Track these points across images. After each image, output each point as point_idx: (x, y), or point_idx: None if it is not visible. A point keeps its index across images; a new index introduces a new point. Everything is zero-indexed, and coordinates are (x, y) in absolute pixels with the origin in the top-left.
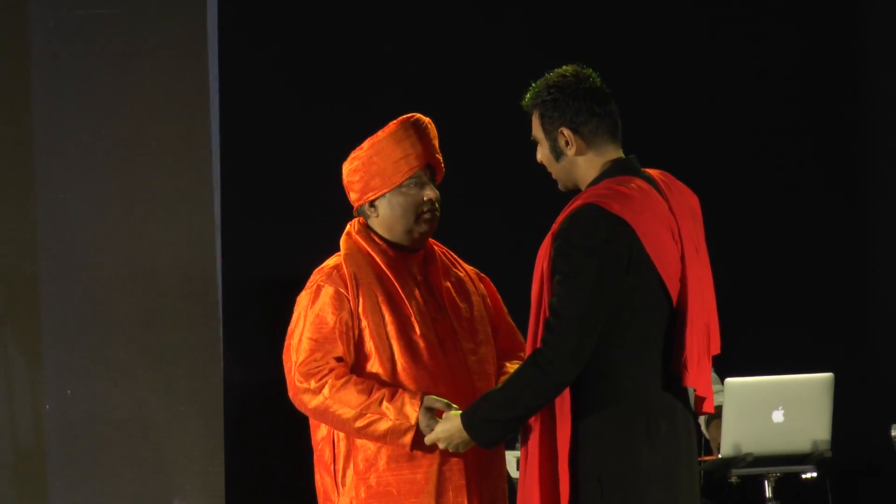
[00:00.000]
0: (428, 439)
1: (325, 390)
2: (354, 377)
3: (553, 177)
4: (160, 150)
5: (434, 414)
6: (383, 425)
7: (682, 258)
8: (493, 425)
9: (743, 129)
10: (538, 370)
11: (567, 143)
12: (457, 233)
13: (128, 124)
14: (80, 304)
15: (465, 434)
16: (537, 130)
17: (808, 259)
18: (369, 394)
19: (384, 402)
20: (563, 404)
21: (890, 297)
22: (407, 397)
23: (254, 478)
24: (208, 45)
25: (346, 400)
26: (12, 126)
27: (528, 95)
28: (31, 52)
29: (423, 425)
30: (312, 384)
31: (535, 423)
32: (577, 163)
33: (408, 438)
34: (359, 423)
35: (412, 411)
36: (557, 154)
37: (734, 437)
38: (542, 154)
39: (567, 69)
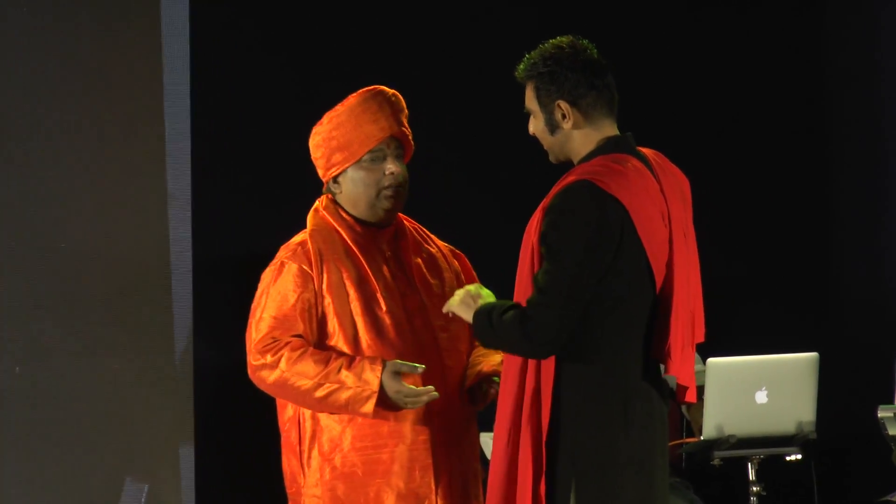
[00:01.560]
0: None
1: (282, 363)
2: (311, 349)
3: (545, 148)
4: (114, 127)
5: (401, 378)
6: (344, 394)
7: (670, 242)
8: (481, 336)
9: (732, 110)
10: (523, 333)
11: (564, 117)
12: (434, 209)
13: (79, 101)
14: (46, 284)
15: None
16: (532, 102)
17: (794, 238)
18: (327, 363)
19: (343, 370)
20: (545, 383)
21: (874, 276)
22: (367, 363)
23: (224, 459)
24: (161, 19)
25: (303, 371)
26: None
27: (522, 66)
28: None
29: (391, 391)
30: (269, 358)
31: (512, 399)
32: (573, 136)
33: (370, 406)
34: (318, 394)
35: (373, 377)
36: (553, 127)
37: (717, 419)
38: (536, 126)
39: (563, 40)
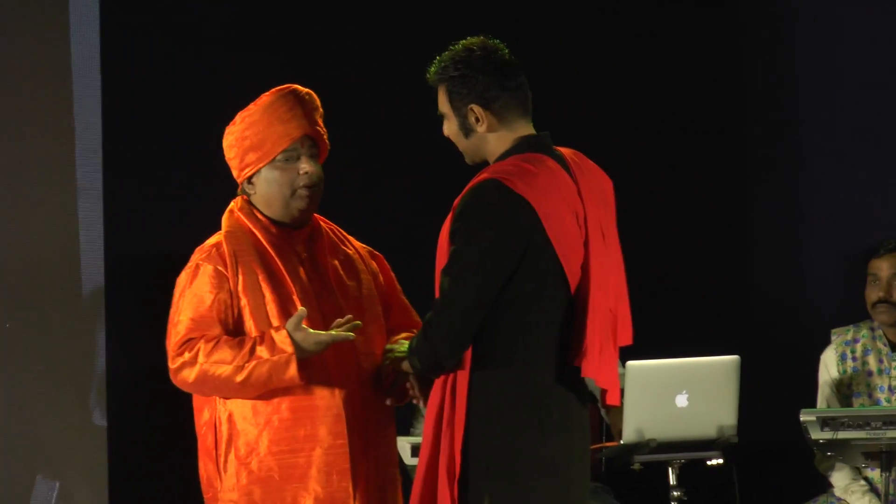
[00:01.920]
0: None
1: (200, 356)
2: (225, 336)
3: (461, 151)
4: (20, 124)
5: (302, 324)
6: (264, 368)
7: (586, 243)
8: (413, 368)
9: (648, 113)
10: (425, 341)
11: (477, 120)
12: (351, 210)
13: None
14: None
15: None
16: (444, 106)
17: (714, 240)
18: (241, 345)
19: (256, 347)
20: (460, 390)
21: (796, 279)
22: (272, 332)
23: (138, 466)
24: (70, 15)
25: (221, 358)
26: None
27: (433, 69)
28: None
29: (307, 344)
30: (186, 356)
31: (435, 409)
32: (488, 139)
33: (292, 369)
34: (240, 377)
35: (283, 340)
36: (467, 131)
37: (636, 423)
38: (450, 129)
39: (473, 41)
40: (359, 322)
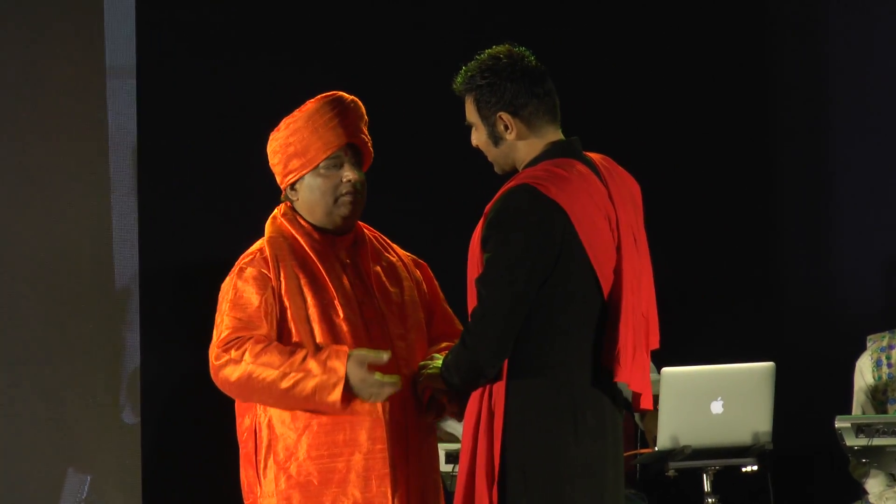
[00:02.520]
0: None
1: (247, 356)
2: (276, 342)
3: (490, 160)
4: (55, 130)
5: (366, 367)
6: (310, 383)
7: (619, 248)
8: (448, 385)
9: (688, 115)
10: (465, 350)
11: (506, 128)
12: (395, 217)
13: (16, 102)
14: None
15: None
16: (472, 115)
17: (750, 247)
18: (292, 353)
19: (308, 359)
20: (497, 396)
21: (831, 286)
22: (332, 351)
23: (173, 474)
24: (105, 24)
25: (268, 361)
26: None
27: (460, 79)
28: None
29: (355, 379)
30: (233, 353)
31: (474, 416)
32: (517, 147)
33: (336, 394)
34: (284, 384)
35: (339, 364)
36: (496, 139)
37: (671, 430)
38: (479, 139)
39: (500, 49)
40: (388, 353)
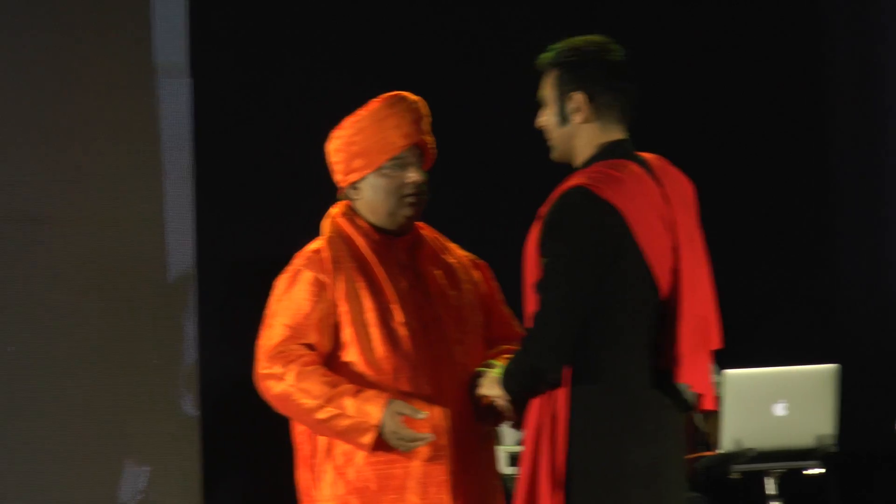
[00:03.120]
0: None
1: (290, 377)
2: (323, 368)
3: (550, 142)
4: (109, 129)
5: (401, 420)
6: (344, 422)
7: (676, 249)
8: (508, 392)
9: (744, 110)
10: (526, 356)
11: (576, 109)
12: (455, 218)
13: (72, 106)
14: (43, 293)
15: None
16: (548, 90)
17: (814, 247)
18: (334, 386)
19: (347, 398)
20: (558, 400)
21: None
22: (372, 395)
23: (231, 474)
24: (156, 18)
25: (309, 389)
26: None
27: (547, 54)
28: None
29: (388, 430)
30: (277, 369)
31: (531, 418)
32: (580, 132)
33: (368, 438)
34: (320, 415)
35: (375, 410)
36: (563, 118)
37: (734, 432)
38: (546, 117)
39: (595, 37)
40: (425, 413)
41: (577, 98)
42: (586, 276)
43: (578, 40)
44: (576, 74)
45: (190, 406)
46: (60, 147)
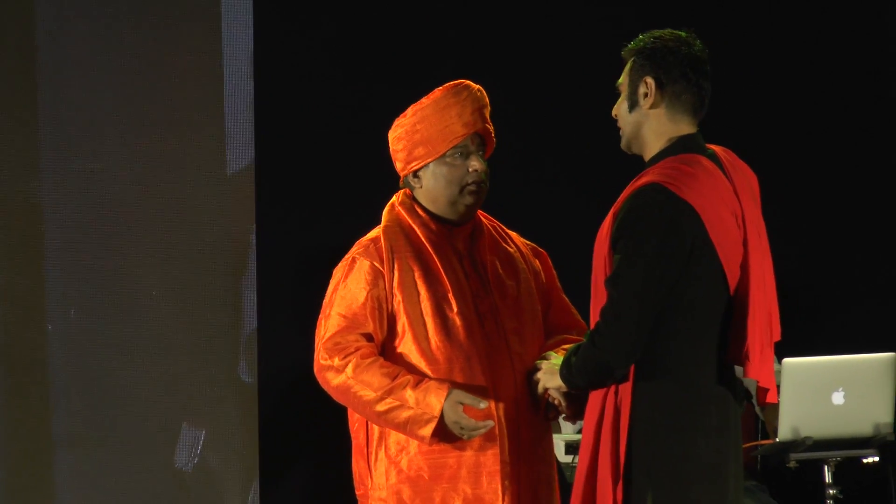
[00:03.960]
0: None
1: (349, 369)
2: (381, 359)
3: (620, 130)
4: (174, 122)
5: (462, 409)
6: (404, 413)
7: (745, 243)
8: (570, 385)
9: (798, 103)
10: (595, 350)
11: (645, 94)
12: (516, 206)
13: (139, 98)
14: (107, 283)
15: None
16: (625, 76)
17: (870, 235)
18: (394, 378)
19: (408, 389)
20: (623, 394)
21: None
22: (433, 386)
23: (289, 463)
24: (223, 12)
25: (369, 381)
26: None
27: (632, 44)
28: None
29: (449, 420)
30: (336, 361)
31: (593, 410)
32: (648, 120)
33: (427, 430)
34: (379, 407)
35: (436, 401)
36: (632, 103)
37: (792, 421)
38: (619, 105)
39: (680, 32)
40: (485, 403)
41: (647, 82)
42: (661, 275)
43: (662, 31)
44: (651, 60)
45: (248, 373)
46: (139, 136)
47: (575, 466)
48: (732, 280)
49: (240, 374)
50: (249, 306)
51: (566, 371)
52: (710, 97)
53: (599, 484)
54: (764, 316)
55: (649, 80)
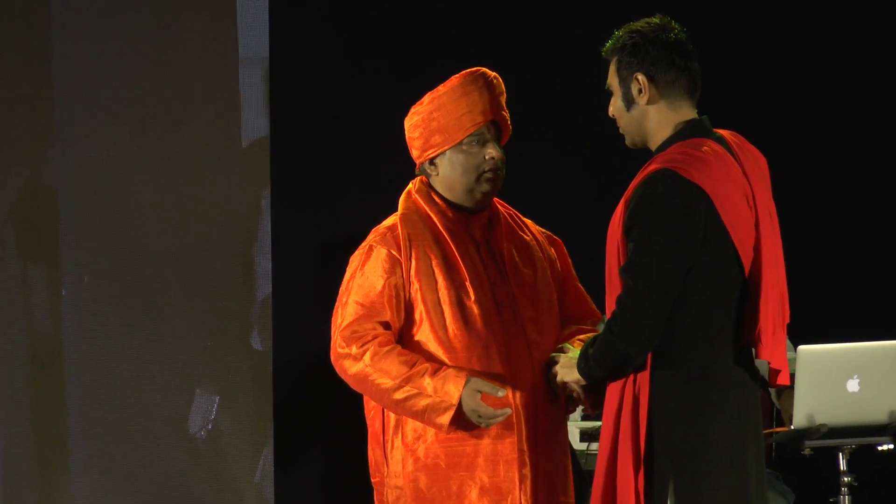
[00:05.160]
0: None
1: (367, 357)
2: (399, 347)
3: (621, 130)
4: (188, 116)
5: (480, 397)
6: (423, 401)
7: (757, 225)
8: (589, 377)
9: (807, 89)
10: (613, 338)
11: (640, 91)
12: (529, 194)
13: (154, 90)
14: (125, 265)
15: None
16: (612, 77)
17: (886, 221)
18: (412, 366)
19: (426, 377)
20: (642, 380)
21: None
22: (451, 374)
23: (304, 450)
24: (238, 10)
25: (386, 369)
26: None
27: (609, 43)
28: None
29: (467, 408)
30: (354, 350)
31: (612, 397)
32: (648, 114)
33: (446, 418)
34: (397, 395)
35: (454, 390)
36: (629, 102)
37: (807, 408)
38: (614, 105)
39: (653, 19)
40: (503, 391)
41: (639, 79)
42: (676, 261)
43: (637, 24)
44: (635, 57)
45: (259, 340)
46: (150, 129)
47: (590, 454)
48: (746, 262)
49: (252, 343)
50: (262, 274)
51: (584, 363)
52: (718, 82)
53: (620, 473)
54: (776, 297)
55: (640, 76)
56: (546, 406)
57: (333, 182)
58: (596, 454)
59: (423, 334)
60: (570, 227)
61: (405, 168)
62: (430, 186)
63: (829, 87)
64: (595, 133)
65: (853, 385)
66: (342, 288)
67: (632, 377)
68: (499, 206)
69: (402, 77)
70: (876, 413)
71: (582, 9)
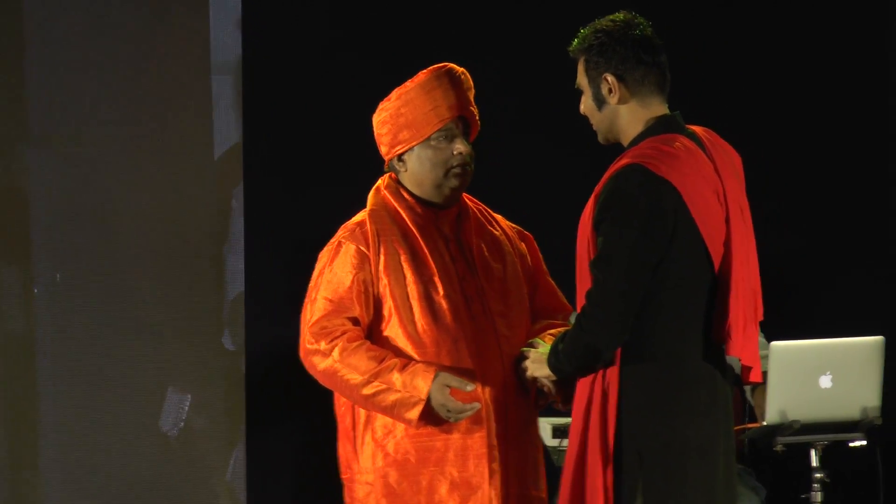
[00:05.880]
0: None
1: (336, 353)
2: (368, 343)
3: (594, 127)
4: (159, 110)
5: (448, 392)
6: (391, 396)
7: (727, 220)
8: (559, 372)
9: (783, 88)
10: (583, 334)
11: (610, 91)
12: (499, 189)
13: (126, 84)
14: (97, 264)
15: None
16: (581, 77)
17: (858, 218)
18: (381, 361)
19: (395, 372)
20: (611, 376)
21: None
22: (420, 369)
23: (276, 448)
24: (211, 15)
25: (355, 365)
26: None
27: (575, 42)
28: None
29: (436, 403)
30: (323, 345)
31: (581, 394)
32: (620, 112)
33: (414, 413)
34: (366, 391)
35: (423, 384)
36: (600, 102)
37: (780, 404)
38: (585, 104)
39: (618, 16)
40: (472, 385)
41: (608, 79)
42: (645, 255)
43: (602, 22)
44: (603, 56)
45: (233, 339)
46: (122, 128)
47: (562, 450)
48: (716, 258)
49: (223, 342)
50: (234, 273)
51: (554, 359)
52: (693, 79)
53: (589, 468)
54: (747, 293)
55: (609, 77)
56: (516, 400)
57: (304, 180)
58: None
59: (392, 330)
60: (541, 222)
61: (376, 167)
62: (398, 183)
63: (803, 86)
64: (566, 128)
65: (826, 381)
66: (311, 284)
67: (601, 372)
68: (468, 202)
69: (374, 76)
70: (848, 409)
71: (552, 5)
